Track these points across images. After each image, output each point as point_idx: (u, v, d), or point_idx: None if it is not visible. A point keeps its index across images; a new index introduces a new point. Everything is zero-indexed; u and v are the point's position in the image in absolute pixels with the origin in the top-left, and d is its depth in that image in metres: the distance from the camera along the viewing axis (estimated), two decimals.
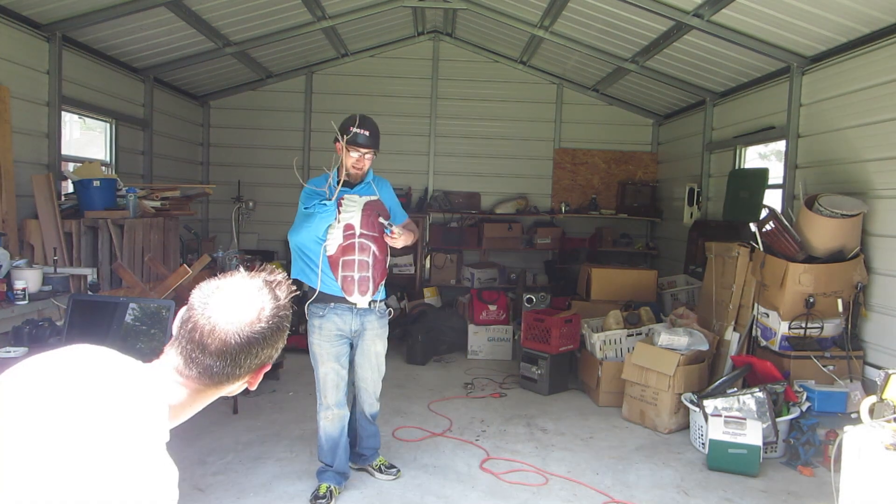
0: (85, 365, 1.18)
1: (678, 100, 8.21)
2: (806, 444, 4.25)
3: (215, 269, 6.48)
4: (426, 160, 9.16)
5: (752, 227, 5.17)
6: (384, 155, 3.92)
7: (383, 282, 3.79)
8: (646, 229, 9.38)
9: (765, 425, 4.20)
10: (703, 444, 4.48)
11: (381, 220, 3.67)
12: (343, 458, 3.75)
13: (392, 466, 4.04)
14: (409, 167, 9.02)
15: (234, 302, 1.22)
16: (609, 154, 9.23)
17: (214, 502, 3.61)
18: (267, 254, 8.57)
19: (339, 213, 3.64)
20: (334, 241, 3.63)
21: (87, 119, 7.20)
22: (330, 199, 3.56)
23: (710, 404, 4.39)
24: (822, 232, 4.73)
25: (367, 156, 3.71)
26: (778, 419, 4.30)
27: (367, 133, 3.66)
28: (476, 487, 3.93)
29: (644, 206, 8.99)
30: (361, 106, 9.12)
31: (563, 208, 8.99)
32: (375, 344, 3.81)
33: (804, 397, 4.42)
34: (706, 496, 3.89)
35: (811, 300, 4.68)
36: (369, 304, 3.70)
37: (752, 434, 4.12)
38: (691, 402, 4.67)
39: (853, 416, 3.88)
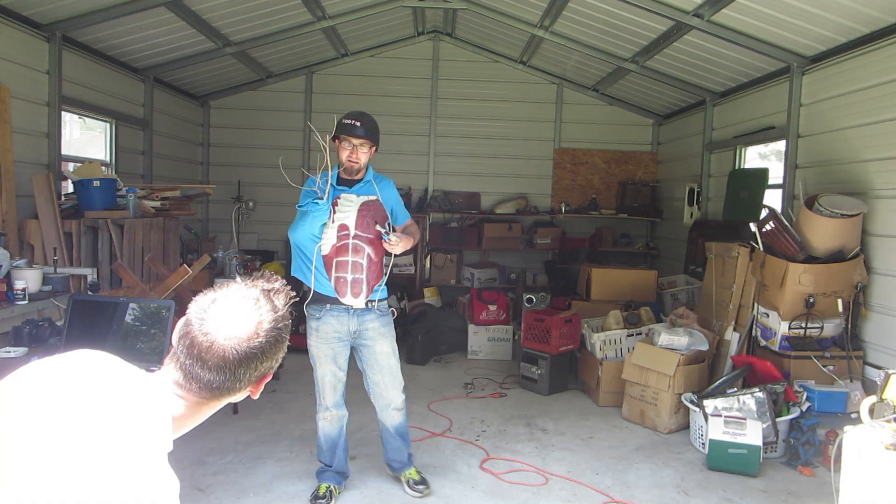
0: (89, 372, 1.16)
1: (678, 100, 8.21)
2: (806, 444, 4.25)
3: (215, 269, 6.48)
4: (426, 160, 9.16)
5: (752, 227, 5.17)
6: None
7: (381, 283, 3.65)
8: (646, 229, 9.38)
9: (765, 425, 4.20)
10: (703, 444, 4.48)
11: (377, 227, 3.53)
12: (342, 457, 3.74)
13: (421, 482, 3.79)
14: (409, 167, 9.02)
15: (232, 316, 1.19)
16: (609, 154, 9.23)
17: (214, 502, 3.61)
18: (267, 254, 8.57)
19: (335, 212, 3.54)
20: (328, 241, 3.54)
21: (87, 119, 7.20)
22: (322, 199, 3.46)
23: (710, 404, 4.39)
24: (822, 232, 4.73)
25: (362, 149, 3.56)
26: (778, 419, 4.30)
27: (357, 123, 3.52)
28: (476, 487, 3.93)
29: (644, 206, 8.99)
30: (361, 106, 9.10)
31: (563, 208, 9.00)
32: (377, 343, 3.64)
33: (804, 397, 4.42)
34: (706, 496, 3.89)
35: (811, 300, 4.68)
36: (366, 303, 3.59)
37: (752, 434, 4.12)
38: (691, 402, 4.66)
39: (853, 416, 3.88)
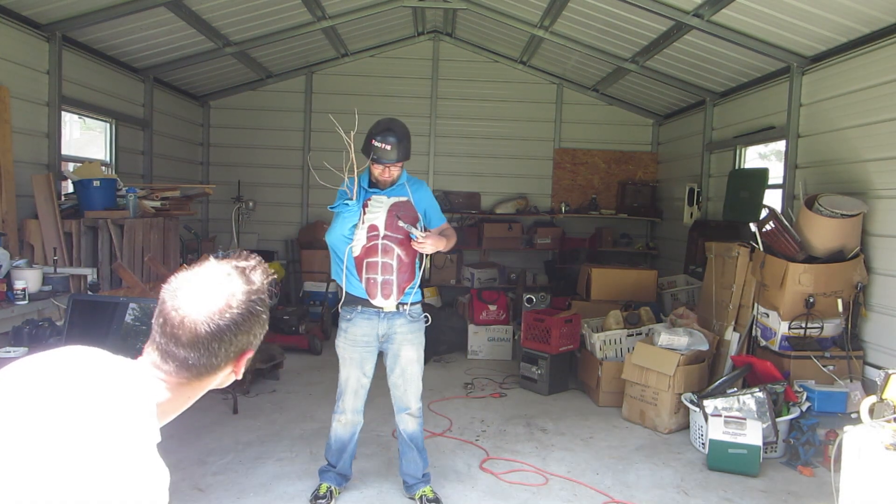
0: (71, 368, 1.16)
1: (678, 100, 8.21)
2: (806, 444, 4.25)
3: None
4: (426, 160, 9.16)
5: (752, 227, 5.17)
6: None
7: (412, 285, 3.58)
8: (646, 229, 9.38)
9: (765, 425, 4.20)
10: (703, 444, 4.48)
11: (400, 223, 3.45)
12: (347, 461, 3.71)
13: (434, 500, 3.65)
14: (408, 167, 8.87)
15: (202, 290, 1.20)
16: (609, 154, 9.24)
17: (214, 502, 3.61)
18: (267, 254, 8.57)
19: (365, 213, 3.51)
20: (359, 241, 3.51)
21: (87, 119, 7.20)
22: (351, 199, 3.44)
23: (710, 404, 4.39)
24: (822, 232, 4.72)
25: (392, 168, 3.52)
26: (778, 419, 4.30)
27: (387, 148, 3.43)
28: (476, 487, 3.93)
29: (644, 206, 8.99)
30: (361, 106, 9.07)
31: (563, 208, 9.00)
32: (403, 348, 3.59)
33: (804, 397, 4.42)
34: (706, 496, 3.89)
35: (811, 300, 4.68)
36: (397, 307, 3.54)
37: (752, 434, 4.11)
38: (691, 402, 4.66)
39: (853, 416, 3.88)
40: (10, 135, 4.95)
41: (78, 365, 1.17)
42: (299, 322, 6.84)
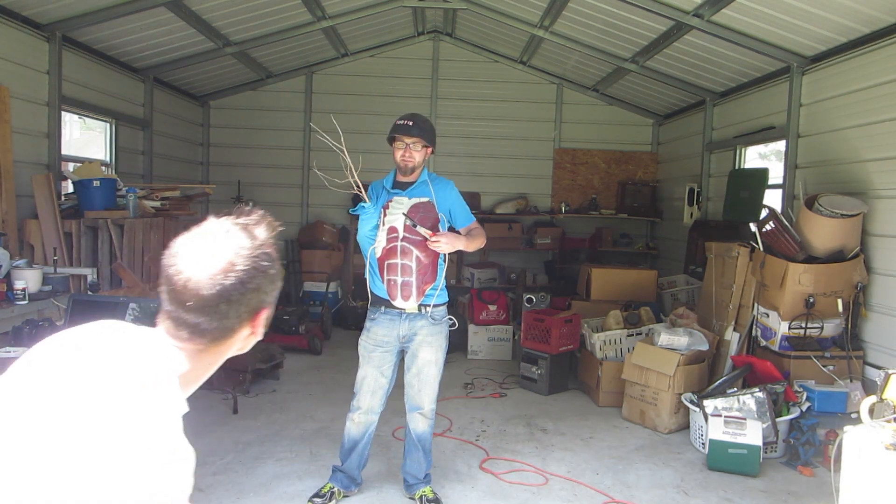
0: (96, 344, 1.12)
1: (678, 100, 8.21)
2: (806, 444, 4.25)
3: None
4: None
5: (752, 227, 5.18)
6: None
7: (434, 286, 3.54)
8: (646, 229, 9.38)
9: (765, 425, 4.20)
10: (703, 444, 4.48)
11: (407, 221, 3.42)
12: (355, 461, 3.68)
13: (434, 501, 3.63)
14: None
15: (203, 251, 1.14)
16: (609, 154, 9.24)
17: (214, 502, 3.61)
18: None
19: (385, 214, 3.51)
20: (379, 243, 3.52)
21: (87, 119, 7.20)
22: (366, 202, 3.45)
23: (710, 404, 4.39)
24: (822, 232, 4.73)
25: (415, 147, 3.48)
26: (778, 419, 4.30)
27: (409, 122, 3.46)
28: (476, 487, 3.93)
29: (644, 206, 8.99)
30: (361, 106, 9.17)
31: (563, 208, 9.00)
32: (422, 349, 3.55)
33: (804, 397, 4.42)
34: (706, 496, 3.89)
35: (811, 300, 4.68)
36: (419, 308, 3.51)
37: (752, 434, 4.11)
38: (691, 402, 4.66)
39: (853, 416, 3.88)
40: (10, 135, 4.95)
41: (102, 341, 1.13)
42: (299, 322, 6.83)
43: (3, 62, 5.08)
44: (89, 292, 4.63)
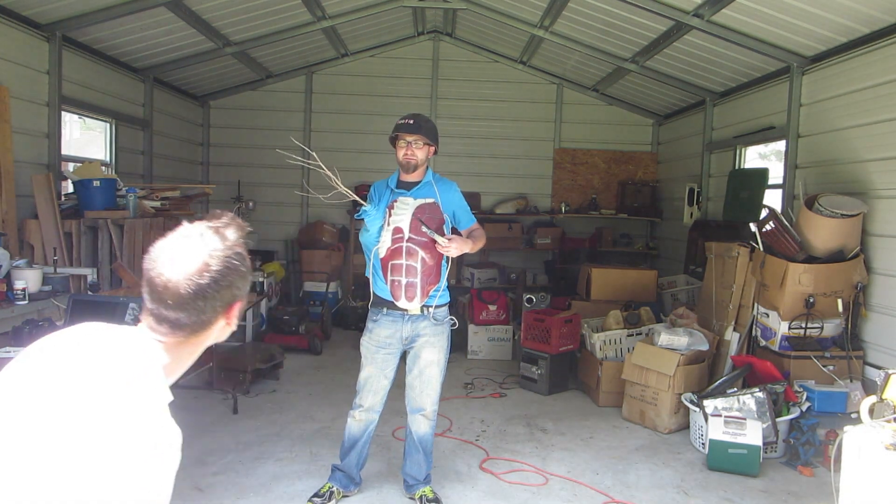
0: (82, 345, 1.24)
1: (678, 100, 8.21)
2: (806, 444, 4.25)
3: None
4: None
5: (752, 227, 5.18)
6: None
7: (437, 287, 3.52)
8: (646, 229, 9.38)
9: (765, 425, 4.20)
10: (703, 444, 4.48)
11: (423, 228, 3.40)
12: (354, 460, 3.67)
13: (434, 500, 3.62)
14: None
15: (179, 254, 1.26)
16: (609, 154, 9.24)
17: (214, 502, 3.61)
18: (267, 254, 8.57)
19: (390, 215, 3.49)
20: (384, 244, 3.50)
21: (87, 119, 7.21)
22: (365, 204, 3.44)
23: (710, 404, 4.39)
24: (822, 232, 4.73)
25: (416, 145, 3.47)
26: (778, 419, 4.30)
27: (410, 121, 3.47)
28: (476, 487, 3.93)
29: (644, 206, 8.99)
30: (361, 106, 9.17)
31: (563, 208, 9.00)
32: (424, 350, 3.55)
33: (804, 397, 4.42)
34: (706, 496, 3.89)
35: (811, 300, 4.68)
36: (422, 309, 3.51)
37: (752, 434, 4.12)
38: (691, 402, 4.66)
39: (853, 416, 3.88)
40: (10, 135, 4.95)
41: (88, 341, 1.26)
42: (299, 322, 6.83)
43: (3, 62, 5.08)
44: (89, 292, 4.63)
